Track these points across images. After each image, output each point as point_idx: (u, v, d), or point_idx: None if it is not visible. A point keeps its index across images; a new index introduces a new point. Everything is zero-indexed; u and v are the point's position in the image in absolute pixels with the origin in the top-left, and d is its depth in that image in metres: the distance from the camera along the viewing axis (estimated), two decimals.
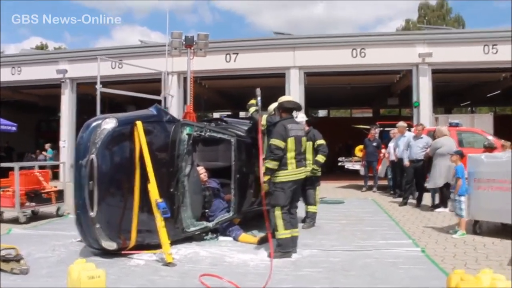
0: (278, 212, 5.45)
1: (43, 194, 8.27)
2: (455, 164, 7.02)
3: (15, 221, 7.97)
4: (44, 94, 22.09)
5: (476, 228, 6.77)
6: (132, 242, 5.36)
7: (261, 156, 5.93)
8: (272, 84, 19.36)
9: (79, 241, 5.99)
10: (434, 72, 16.41)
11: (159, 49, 16.62)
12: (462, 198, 6.79)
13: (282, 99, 5.96)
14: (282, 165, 5.44)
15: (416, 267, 4.94)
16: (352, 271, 4.82)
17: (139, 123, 5.44)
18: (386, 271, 4.77)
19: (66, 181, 9.52)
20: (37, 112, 25.71)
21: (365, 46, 16.35)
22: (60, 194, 8.62)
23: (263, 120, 6.49)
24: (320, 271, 4.80)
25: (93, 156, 5.10)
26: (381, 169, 13.35)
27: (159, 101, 15.61)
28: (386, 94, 23.44)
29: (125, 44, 17.83)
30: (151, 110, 5.99)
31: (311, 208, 7.36)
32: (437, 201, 9.44)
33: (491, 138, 12.03)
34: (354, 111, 34.48)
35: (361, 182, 14.00)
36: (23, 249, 5.25)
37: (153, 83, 16.92)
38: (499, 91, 21.06)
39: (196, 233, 6.20)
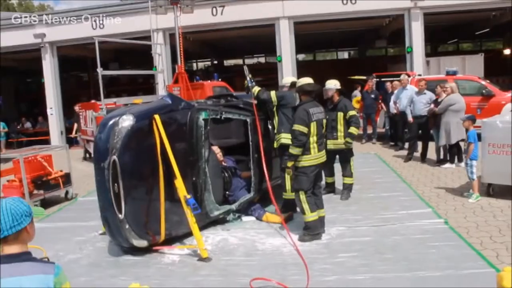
0: (302, 196, 5.45)
1: (50, 180, 8.09)
2: (468, 129, 7.05)
3: None
4: (23, 59, 21.13)
5: (490, 190, 6.92)
6: (162, 237, 5.33)
7: (260, 133, 6.19)
8: (260, 33, 18.89)
9: (102, 234, 5.97)
10: (425, 14, 16.11)
11: (141, 6, 15.86)
12: (474, 163, 6.90)
13: (302, 81, 5.78)
14: (305, 149, 5.39)
15: (446, 244, 5.04)
16: (386, 253, 4.90)
17: (157, 117, 5.24)
18: (419, 252, 4.86)
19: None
20: (17, 75, 24.71)
21: None
22: (67, 178, 8.46)
23: (273, 96, 6.40)
24: (355, 256, 4.87)
25: (115, 157, 4.93)
26: (379, 120, 13.41)
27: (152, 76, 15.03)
28: (374, 36, 23.09)
29: (104, 2, 16.79)
30: (166, 99, 5.76)
31: (348, 180, 7.33)
32: (442, 156, 9.56)
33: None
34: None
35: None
36: (48, 249, 5.15)
37: (137, 40, 16.26)
38: (488, 29, 20.90)
39: (221, 216, 6.20)
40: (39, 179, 8.00)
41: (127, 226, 5.00)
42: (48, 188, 8.03)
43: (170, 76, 16.34)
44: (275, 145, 6.51)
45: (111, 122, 5.10)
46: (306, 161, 5.41)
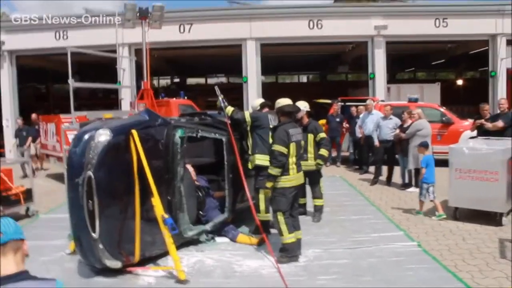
0: (281, 218, 5.41)
1: (10, 196, 7.63)
2: (422, 155, 7.67)
3: None
4: None
5: (457, 214, 7.15)
6: (136, 258, 5.11)
7: (237, 153, 6.19)
8: (224, 53, 18.98)
9: (70, 254, 5.67)
10: (387, 43, 16.77)
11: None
12: (425, 185, 7.42)
13: (282, 102, 5.79)
14: (284, 170, 5.37)
15: (422, 266, 5.15)
16: (364, 275, 4.93)
17: (134, 133, 5.08)
18: (396, 275, 4.91)
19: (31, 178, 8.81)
20: None
21: (322, 17, 16.30)
22: (28, 194, 8.01)
23: (247, 116, 6.41)
24: (335, 278, 4.86)
25: (90, 173, 4.72)
26: (343, 144, 13.66)
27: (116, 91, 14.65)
28: (336, 62, 23.76)
29: (68, 13, 16.38)
30: (143, 115, 5.61)
31: (318, 202, 7.33)
32: (407, 180, 9.82)
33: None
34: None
35: None
36: None
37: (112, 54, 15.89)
38: (443, 60, 22.00)
39: (195, 237, 6.04)
40: None
41: (100, 246, 4.77)
42: (8, 204, 7.55)
43: (134, 92, 16.03)
44: (250, 166, 6.47)
45: (86, 136, 4.89)
46: (285, 182, 5.39)
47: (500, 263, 5.28)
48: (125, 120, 5.81)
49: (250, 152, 6.51)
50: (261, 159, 6.20)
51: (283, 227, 5.40)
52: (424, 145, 7.86)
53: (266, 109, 6.82)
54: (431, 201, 7.48)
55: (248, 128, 6.48)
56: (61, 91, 29.13)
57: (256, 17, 16.56)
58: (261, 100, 7.14)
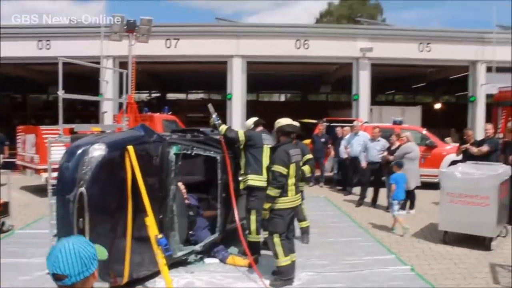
0: (277, 240, 5.27)
1: None
2: (394, 172, 8.19)
3: None
4: None
5: (446, 238, 7.14)
6: (125, 279, 4.88)
7: (230, 172, 6.11)
8: (207, 70, 18.92)
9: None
10: (372, 65, 17.03)
11: (93, 31, 15.34)
12: (395, 202, 7.84)
13: (282, 122, 5.69)
14: (283, 191, 5.25)
15: None
16: None
17: (130, 149, 4.89)
18: None
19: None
20: None
21: (309, 37, 16.46)
22: (5, 207, 7.65)
23: (240, 135, 6.28)
24: None
25: (82, 190, 4.50)
26: (327, 164, 13.65)
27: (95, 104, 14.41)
28: (319, 82, 23.97)
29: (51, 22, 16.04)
30: (139, 130, 5.43)
31: (304, 224, 7.19)
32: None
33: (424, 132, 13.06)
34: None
35: None
36: None
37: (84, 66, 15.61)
38: (424, 84, 22.47)
39: (183, 258, 5.84)
40: None
41: None
42: None
43: (116, 105, 15.77)
44: (241, 186, 6.34)
45: (80, 151, 4.68)
46: (283, 203, 5.26)
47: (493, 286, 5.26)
48: (120, 135, 5.62)
49: (242, 172, 6.38)
50: (254, 179, 6.09)
51: (279, 250, 5.26)
52: (398, 165, 8.35)
53: (259, 128, 6.71)
54: (393, 215, 7.88)
55: (241, 147, 6.36)
56: (37, 101, 28.49)
57: (243, 34, 16.62)
58: (255, 119, 7.04)
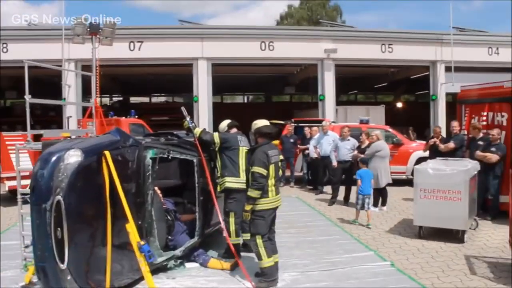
0: (259, 241, 5.23)
1: None
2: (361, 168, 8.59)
3: None
4: None
5: (421, 232, 7.32)
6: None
7: (208, 174, 6.05)
8: (171, 72, 18.68)
9: (26, 286, 5.12)
10: (336, 66, 17.29)
11: (53, 33, 14.81)
12: (360, 196, 8.27)
13: (259, 123, 5.65)
14: (264, 192, 5.23)
15: (402, 286, 5.19)
16: None
17: (107, 154, 4.72)
18: None
19: None
20: None
21: (274, 39, 16.54)
22: None
23: (216, 137, 6.25)
24: None
25: (59, 198, 4.30)
26: (297, 164, 13.73)
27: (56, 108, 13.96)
28: (283, 83, 24.13)
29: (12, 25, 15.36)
30: (114, 135, 5.25)
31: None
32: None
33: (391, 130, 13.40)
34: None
35: None
36: None
37: (43, 70, 15.05)
38: (386, 83, 23.04)
39: (164, 263, 5.69)
40: None
41: (69, 277, 4.32)
42: None
43: (80, 109, 15.30)
44: (219, 188, 6.26)
45: (54, 158, 4.46)
46: (264, 204, 5.23)
47: (473, 280, 5.41)
48: (95, 140, 5.41)
49: (219, 174, 6.31)
50: (231, 182, 6.06)
51: (262, 251, 5.21)
52: (363, 161, 8.80)
53: (234, 130, 6.68)
54: (366, 211, 8.22)
55: (217, 149, 6.30)
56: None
57: (208, 37, 16.51)
58: (228, 121, 6.97)
